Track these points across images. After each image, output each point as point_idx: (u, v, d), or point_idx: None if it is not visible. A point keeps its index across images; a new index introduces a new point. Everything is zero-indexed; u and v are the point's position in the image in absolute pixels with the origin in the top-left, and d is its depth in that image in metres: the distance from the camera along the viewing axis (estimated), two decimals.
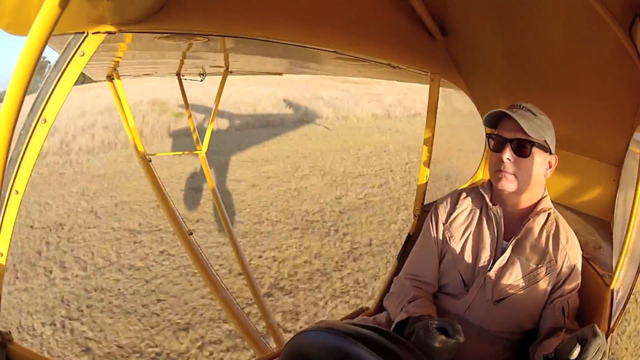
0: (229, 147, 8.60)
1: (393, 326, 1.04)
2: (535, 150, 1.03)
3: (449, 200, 1.21)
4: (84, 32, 0.75)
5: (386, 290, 1.41)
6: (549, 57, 1.20)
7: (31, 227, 5.17)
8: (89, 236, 4.99)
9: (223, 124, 10.46)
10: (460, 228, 1.15)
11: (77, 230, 5.15)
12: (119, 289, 3.92)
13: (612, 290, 1.06)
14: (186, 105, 3.89)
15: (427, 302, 1.09)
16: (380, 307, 1.39)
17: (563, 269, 1.05)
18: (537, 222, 1.09)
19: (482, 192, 1.15)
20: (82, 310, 3.62)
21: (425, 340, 0.85)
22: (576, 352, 0.74)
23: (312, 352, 0.65)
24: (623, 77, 1.06)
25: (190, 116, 3.98)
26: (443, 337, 0.84)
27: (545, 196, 1.11)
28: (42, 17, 0.46)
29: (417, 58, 1.41)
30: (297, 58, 2.21)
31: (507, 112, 1.03)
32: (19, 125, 0.59)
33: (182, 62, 2.66)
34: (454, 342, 0.84)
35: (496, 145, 1.06)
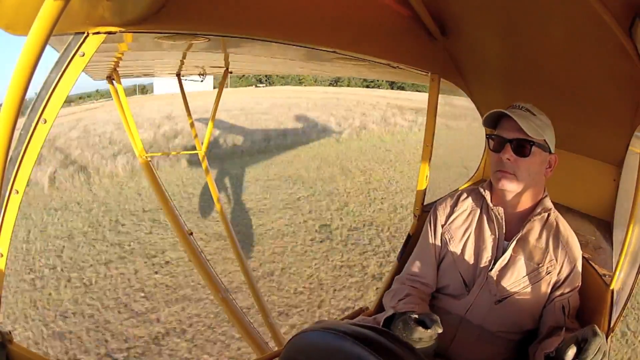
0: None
1: (381, 323, 1.04)
2: (535, 150, 1.03)
3: (448, 201, 1.21)
4: (84, 32, 0.75)
5: (386, 290, 1.41)
6: (549, 57, 1.20)
7: None
8: None
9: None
10: (460, 229, 1.15)
11: None
12: None
13: (612, 290, 1.06)
14: (186, 105, 3.89)
15: (417, 299, 1.10)
16: (380, 307, 1.39)
17: (563, 269, 1.05)
18: (538, 222, 1.09)
19: (483, 192, 1.15)
20: None
21: (403, 332, 0.87)
22: (571, 352, 0.74)
23: (312, 352, 0.65)
24: (623, 77, 1.06)
25: (190, 116, 3.98)
26: (420, 328, 0.86)
27: (545, 196, 1.12)
28: (42, 17, 0.46)
29: (417, 58, 1.41)
30: (297, 58, 2.21)
31: (506, 112, 1.03)
32: (19, 125, 0.59)
33: (182, 62, 2.66)
34: (431, 333, 0.86)
35: (496, 145, 1.07)
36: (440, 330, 0.86)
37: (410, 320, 0.87)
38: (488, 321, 1.06)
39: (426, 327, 0.87)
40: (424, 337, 0.86)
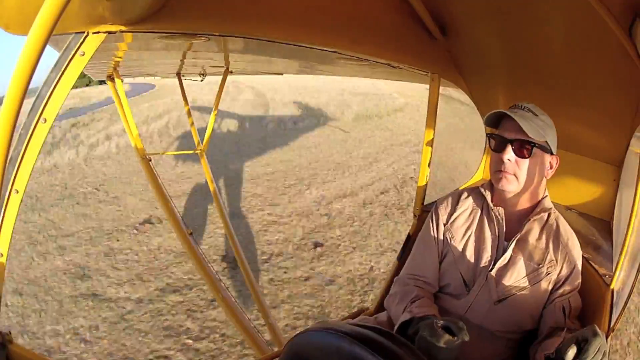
0: None
1: (397, 326, 1.04)
2: (535, 151, 1.03)
3: (449, 200, 1.21)
4: (84, 32, 0.75)
5: (386, 290, 1.41)
6: (549, 57, 1.20)
7: None
8: None
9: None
10: (461, 228, 1.15)
11: None
12: None
13: (612, 290, 1.06)
14: (186, 104, 3.90)
15: (429, 301, 1.09)
16: (380, 307, 1.39)
17: (563, 269, 1.05)
18: (538, 222, 1.09)
19: (483, 192, 1.15)
20: None
21: (430, 339, 0.85)
22: (571, 353, 0.74)
23: (312, 352, 0.65)
24: (623, 77, 1.06)
25: (190, 115, 3.99)
26: (448, 336, 0.84)
27: (545, 196, 1.11)
28: (42, 17, 0.45)
29: (417, 58, 1.41)
30: (297, 58, 2.21)
31: (508, 112, 1.03)
32: (19, 125, 0.59)
33: (182, 62, 2.66)
34: (458, 340, 0.84)
35: (497, 145, 1.06)
36: (467, 338, 0.84)
37: (437, 327, 0.85)
38: (488, 321, 1.06)
39: (452, 333, 0.85)
40: (450, 344, 0.84)
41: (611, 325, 0.97)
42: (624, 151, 1.36)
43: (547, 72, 1.29)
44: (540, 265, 1.05)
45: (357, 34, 1.18)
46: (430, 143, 1.49)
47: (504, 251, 1.07)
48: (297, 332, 0.71)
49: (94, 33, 0.76)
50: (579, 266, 1.07)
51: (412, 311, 1.02)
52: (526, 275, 1.05)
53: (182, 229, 2.89)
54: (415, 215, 1.55)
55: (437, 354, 0.83)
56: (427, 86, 1.51)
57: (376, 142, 9.61)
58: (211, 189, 3.63)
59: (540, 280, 1.04)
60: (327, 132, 10.87)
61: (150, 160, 3.10)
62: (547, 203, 1.11)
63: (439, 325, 0.86)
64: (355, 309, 1.62)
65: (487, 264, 1.08)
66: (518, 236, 1.07)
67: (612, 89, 1.17)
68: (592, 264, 1.18)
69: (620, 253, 1.04)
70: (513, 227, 1.09)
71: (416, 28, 1.32)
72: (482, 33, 1.31)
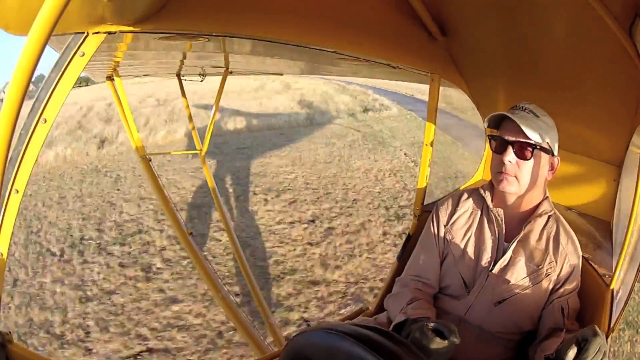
0: None
1: (391, 328, 1.04)
2: (536, 152, 1.02)
3: (450, 201, 1.21)
4: (84, 32, 0.75)
5: (387, 290, 1.41)
6: (549, 57, 1.20)
7: None
8: None
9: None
10: (461, 229, 1.15)
11: None
12: None
13: (612, 290, 1.06)
14: (186, 105, 3.90)
15: (425, 303, 1.09)
16: (380, 308, 1.39)
17: (563, 270, 1.05)
18: (538, 224, 1.09)
19: (483, 193, 1.14)
20: None
21: (420, 342, 0.85)
22: (571, 353, 0.74)
23: (312, 353, 0.65)
24: (623, 77, 1.06)
25: (190, 116, 3.99)
26: (438, 339, 0.84)
27: (546, 197, 1.11)
28: (42, 17, 0.45)
29: (417, 58, 1.41)
30: (297, 58, 2.21)
31: (508, 114, 1.02)
32: (19, 126, 0.59)
33: (182, 62, 2.66)
34: (449, 344, 0.84)
35: (498, 146, 1.06)
36: (457, 341, 0.84)
37: (427, 330, 0.85)
38: (488, 322, 1.06)
39: (443, 337, 0.85)
40: (441, 347, 0.84)
41: (611, 325, 0.97)
42: (624, 151, 1.35)
43: (547, 72, 1.29)
44: (540, 267, 1.05)
45: (357, 34, 1.18)
46: (430, 143, 1.49)
47: (504, 252, 1.07)
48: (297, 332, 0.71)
49: (94, 33, 0.76)
50: (579, 267, 1.07)
51: (407, 312, 1.02)
52: (526, 277, 1.05)
53: (182, 229, 2.89)
54: (415, 216, 1.55)
55: (428, 356, 0.83)
56: None
57: None
58: (212, 190, 3.63)
59: (540, 281, 1.04)
60: None
61: (150, 160, 3.11)
62: (548, 204, 1.11)
63: (430, 328, 0.86)
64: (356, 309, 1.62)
65: (487, 265, 1.08)
66: (518, 237, 1.06)
67: (612, 89, 1.17)
68: (592, 264, 1.18)
69: (620, 253, 1.04)
70: (513, 228, 1.09)
71: (416, 28, 1.32)
72: (482, 33, 1.31)
